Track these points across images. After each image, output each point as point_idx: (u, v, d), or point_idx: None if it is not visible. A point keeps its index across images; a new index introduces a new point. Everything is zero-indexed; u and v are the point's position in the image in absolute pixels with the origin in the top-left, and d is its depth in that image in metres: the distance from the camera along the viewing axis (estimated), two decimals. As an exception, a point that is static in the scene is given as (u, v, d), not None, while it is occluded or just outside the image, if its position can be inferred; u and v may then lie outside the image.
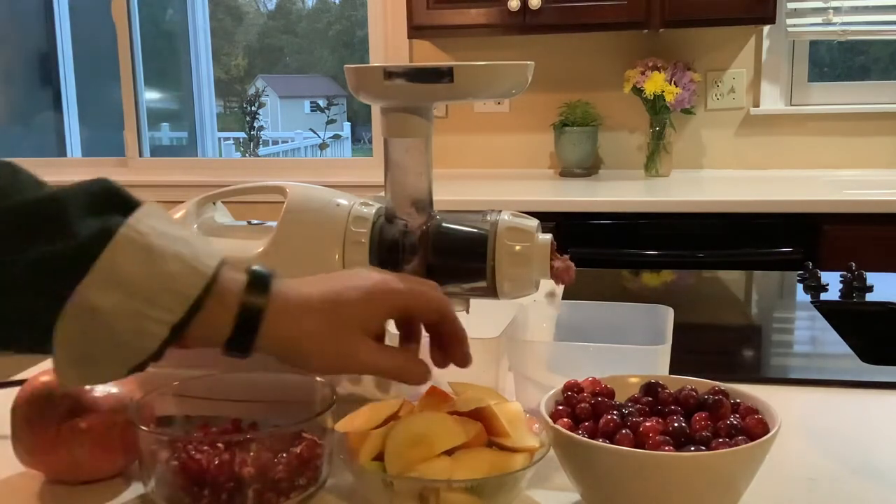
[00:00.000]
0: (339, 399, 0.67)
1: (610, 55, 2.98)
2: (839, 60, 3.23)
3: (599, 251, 2.42)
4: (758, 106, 2.95)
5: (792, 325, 1.33)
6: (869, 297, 1.35)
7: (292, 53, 6.10)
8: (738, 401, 0.67)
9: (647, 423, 0.63)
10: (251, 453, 0.63)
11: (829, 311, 1.26)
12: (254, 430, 0.69)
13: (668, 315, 0.84)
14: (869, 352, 1.08)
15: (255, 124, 5.61)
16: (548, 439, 0.64)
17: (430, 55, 3.10)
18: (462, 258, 0.76)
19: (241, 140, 5.63)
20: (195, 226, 0.81)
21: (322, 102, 5.91)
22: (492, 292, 0.75)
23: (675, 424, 0.63)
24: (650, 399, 0.68)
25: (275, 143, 6.32)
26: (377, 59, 3.15)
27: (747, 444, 0.61)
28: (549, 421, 0.65)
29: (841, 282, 1.39)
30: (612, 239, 2.45)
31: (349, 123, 5.61)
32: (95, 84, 3.97)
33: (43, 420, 0.70)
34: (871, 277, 1.38)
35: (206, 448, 0.63)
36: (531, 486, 0.69)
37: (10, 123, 3.94)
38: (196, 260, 0.57)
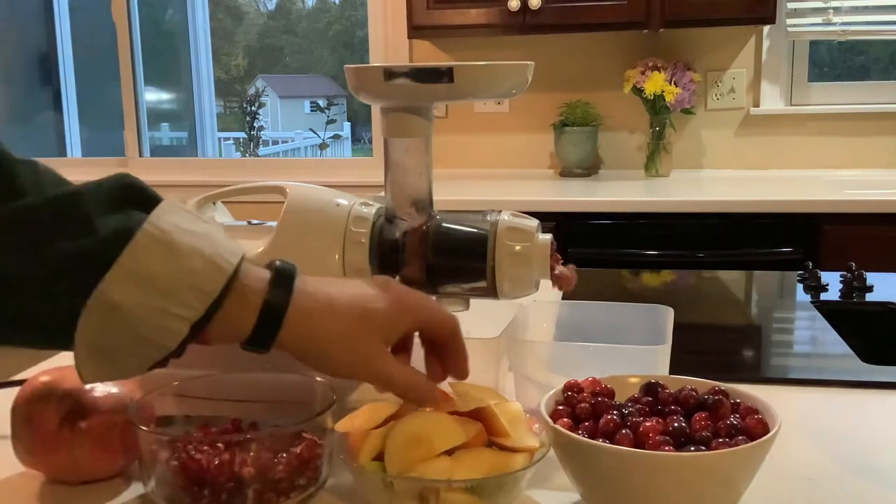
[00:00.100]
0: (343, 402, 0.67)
1: (610, 55, 2.98)
2: (839, 60, 3.23)
3: (599, 251, 2.42)
4: (758, 106, 2.95)
5: (792, 325, 1.33)
6: (869, 297, 1.35)
7: (292, 53, 6.10)
8: (738, 401, 0.67)
9: (647, 423, 0.63)
10: (251, 453, 0.63)
11: (829, 311, 1.26)
12: (254, 430, 0.69)
13: (668, 315, 0.84)
14: (869, 352, 1.08)
15: (255, 124, 5.61)
16: (548, 439, 0.64)
17: (430, 55, 3.10)
18: (462, 258, 0.76)
19: (241, 140, 5.62)
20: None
21: (322, 102, 5.90)
22: (492, 292, 0.75)
23: (675, 424, 0.63)
24: (650, 399, 0.68)
25: (275, 143, 6.31)
26: (377, 59, 3.15)
27: (747, 444, 0.61)
28: (549, 421, 0.65)
29: (841, 282, 1.39)
30: (612, 239, 2.45)
31: (349, 123, 5.60)
32: (95, 84, 3.97)
33: (43, 420, 0.70)
34: (871, 277, 1.38)
35: (206, 448, 0.63)
36: (531, 486, 0.69)
37: (10, 123, 3.94)
38: (218, 256, 0.58)
